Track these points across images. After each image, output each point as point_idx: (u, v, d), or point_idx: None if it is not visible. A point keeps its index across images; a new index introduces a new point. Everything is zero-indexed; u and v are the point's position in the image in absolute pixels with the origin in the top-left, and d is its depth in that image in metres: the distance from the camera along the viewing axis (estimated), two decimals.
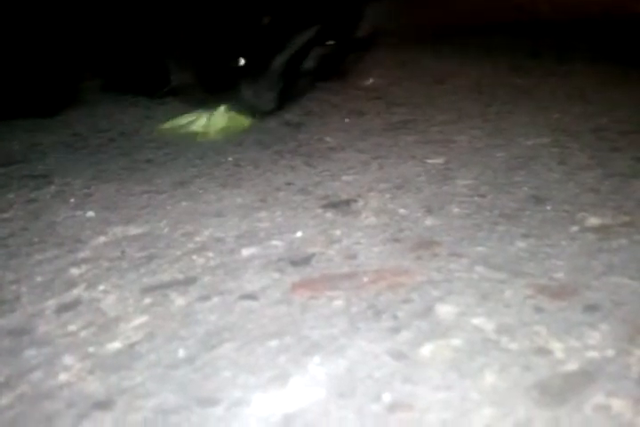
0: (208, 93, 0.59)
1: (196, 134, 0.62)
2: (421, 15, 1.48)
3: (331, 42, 0.60)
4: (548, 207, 0.46)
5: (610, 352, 0.30)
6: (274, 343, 0.31)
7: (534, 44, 1.15)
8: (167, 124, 0.63)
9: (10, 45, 0.66)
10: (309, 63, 0.60)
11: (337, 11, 0.59)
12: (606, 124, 0.66)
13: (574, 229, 0.42)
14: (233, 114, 0.62)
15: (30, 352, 0.31)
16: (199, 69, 0.58)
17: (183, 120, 0.63)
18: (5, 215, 0.46)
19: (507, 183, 0.50)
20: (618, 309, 0.33)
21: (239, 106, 0.60)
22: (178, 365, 0.30)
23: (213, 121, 0.62)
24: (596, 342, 0.31)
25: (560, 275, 0.37)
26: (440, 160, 0.56)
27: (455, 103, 0.75)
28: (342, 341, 0.31)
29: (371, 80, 0.82)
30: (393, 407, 0.27)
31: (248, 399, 0.28)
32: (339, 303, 0.34)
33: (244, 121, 0.63)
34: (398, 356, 0.30)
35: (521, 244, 0.41)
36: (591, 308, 0.33)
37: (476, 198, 0.48)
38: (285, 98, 0.60)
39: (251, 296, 0.35)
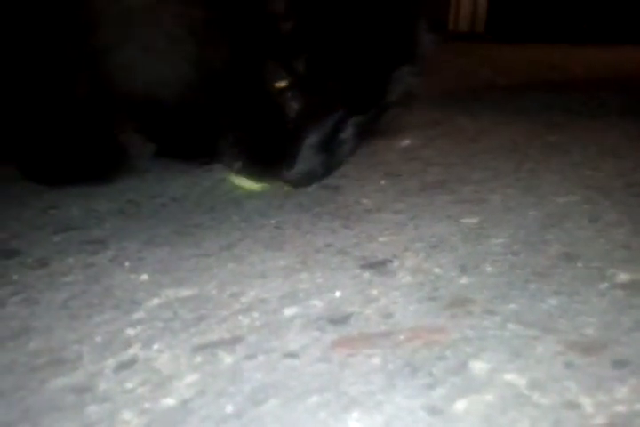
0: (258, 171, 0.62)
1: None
2: (453, 74, 1.53)
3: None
4: (579, 264, 0.47)
5: (638, 406, 0.31)
6: (315, 399, 0.33)
7: (567, 102, 1.18)
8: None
9: (65, 113, 0.71)
10: (347, 131, 0.62)
11: (368, 76, 0.61)
12: (638, 179, 0.68)
13: (604, 285, 0.44)
14: None
15: (92, 408, 0.33)
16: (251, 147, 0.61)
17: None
18: (66, 279, 0.49)
19: (539, 241, 0.52)
20: None
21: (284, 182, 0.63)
22: (227, 420, 0.32)
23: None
24: (624, 397, 0.32)
25: (590, 331, 0.38)
26: (474, 219, 0.58)
27: (489, 162, 0.77)
28: (380, 397, 0.33)
29: (406, 141, 0.86)
30: None
31: None
32: (376, 361, 0.36)
33: None
34: (433, 411, 0.32)
35: (552, 301, 0.42)
36: (620, 363, 0.35)
37: (509, 257, 0.50)
38: (327, 170, 0.62)
39: (293, 354, 0.37)
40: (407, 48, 0.61)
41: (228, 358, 0.37)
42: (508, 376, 0.34)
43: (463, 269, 0.48)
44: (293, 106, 0.58)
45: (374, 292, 0.45)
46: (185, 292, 0.46)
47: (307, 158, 0.59)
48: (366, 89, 0.59)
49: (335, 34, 0.56)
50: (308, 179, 0.61)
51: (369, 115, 0.63)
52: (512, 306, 0.42)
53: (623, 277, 0.45)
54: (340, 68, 0.57)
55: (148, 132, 0.82)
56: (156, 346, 0.39)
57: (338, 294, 0.45)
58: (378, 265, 0.49)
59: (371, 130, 0.66)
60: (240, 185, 0.68)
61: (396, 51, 0.60)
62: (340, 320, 0.41)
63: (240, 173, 0.64)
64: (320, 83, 0.57)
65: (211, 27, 0.57)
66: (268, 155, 0.59)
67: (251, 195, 0.67)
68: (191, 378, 0.35)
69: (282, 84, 0.57)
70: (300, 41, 0.56)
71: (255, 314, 0.42)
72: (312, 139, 0.59)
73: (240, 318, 0.42)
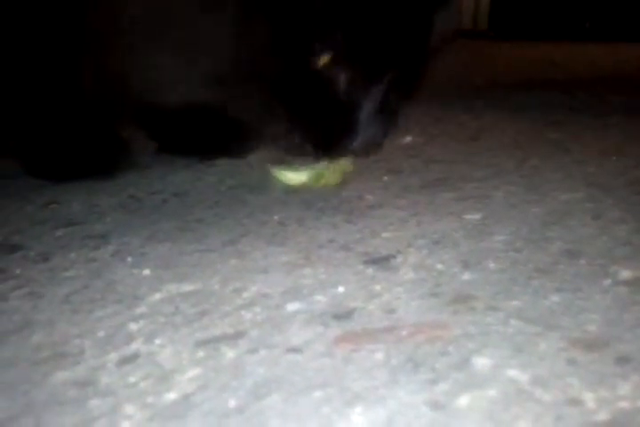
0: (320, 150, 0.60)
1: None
2: (455, 71, 1.53)
3: None
4: (582, 261, 0.47)
5: None
6: (318, 394, 0.33)
7: (569, 100, 1.18)
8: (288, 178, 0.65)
9: (67, 109, 0.70)
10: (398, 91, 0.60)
11: (410, 29, 0.59)
12: None
13: (607, 282, 0.44)
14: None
15: (94, 402, 0.33)
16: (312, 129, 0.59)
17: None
18: (68, 274, 0.49)
19: (541, 238, 0.52)
20: None
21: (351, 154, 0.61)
22: (229, 414, 0.32)
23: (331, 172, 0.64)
24: (627, 393, 0.32)
25: (593, 328, 0.38)
26: (477, 216, 0.58)
27: (491, 159, 0.77)
28: (383, 392, 0.33)
29: (407, 138, 0.86)
30: None
31: None
32: (379, 356, 0.36)
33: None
34: (436, 406, 0.32)
35: (555, 297, 0.42)
36: (623, 359, 0.35)
37: (511, 253, 0.50)
38: (386, 134, 0.60)
39: (296, 349, 0.37)
40: None
41: (230, 353, 0.37)
42: (511, 372, 0.34)
43: (466, 266, 0.48)
44: (341, 78, 0.57)
45: (377, 287, 0.45)
46: (187, 287, 0.46)
47: (367, 126, 0.57)
48: (410, 43, 0.58)
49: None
50: (373, 146, 0.59)
51: (415, 69, 0.61)
52: (515, 302, 0.42)
53: (626, 274, 0.45)
54: (379, 30, 0.56)
55: (151, 129, 0.82)
56: (158, 341, 0.39)
57: (341, 289, 0.45)
58: (381, 261, 0.49)
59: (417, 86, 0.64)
60: (284, 180, 0.65)
61: None
62: (343, 316, 0.41)
63: (302, 154, 0.61)
64: (363, 49, 0.56)
65: (245, 12, 0.56)
66: (327, 131, 0.58)
67: (295, 190, 0.65)
68: (193, 372, 0.35)
69: (325, 59, 0.56)
70: (334, 12, 0.55)
71: (258, 309, 0.42)
72: (368, 106, 0.57)
73: (242, 313, 0.42)
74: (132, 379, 0.35)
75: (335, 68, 0.57)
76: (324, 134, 0.58)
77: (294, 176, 0.64)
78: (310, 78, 0.57)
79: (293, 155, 0.63)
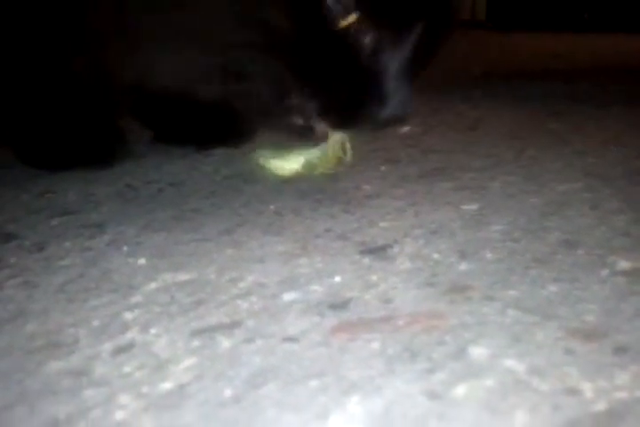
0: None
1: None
2: (454, 62, 1.52)
3: None
4: (580, 251, 0.47)
5: (638, 393, 0.31)
6: (314, 384, 0.33)
7: (569, 90, 1.17)
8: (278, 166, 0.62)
9: (63, 98, 0.70)
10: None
11: None
12: (639, 167, 0.67)
13: (605, 272, 0.44)
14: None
15: (89, 392, 0.33)
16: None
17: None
18: (63, 263, 0.49)
19: (539, 228, 0.52)
20: None
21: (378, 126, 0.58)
22: (225, 404, 0.32)
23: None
24: (625, 383, 0.32)
25: (591, 318, 0.38)
26: (474, 206, 0.58)
27: (489, 149, 0.77)
28: (379, 381, 0.33)
29: (406, 128, 0.85)
30: None
31: None
32: (375, 346, 0.36)
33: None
34: (433, 396, 0.32)
35: (552, 287, 0.42)
36: (621, 350, 0.35)
37: (508, 243, 0.49)
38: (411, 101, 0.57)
39: (292, 339, 0.37)
40: None
41: (226, 343, 0.37)
42: (508, 362, 0.34)
43: (462, 256, 0.47)
44: (367, 40, 0.54)
45: (374, 277, 0.44)
46: (183, 276, 0.46)
47: (394, 94, 0.54)
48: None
49: None
50: (400, 117, 0.57)
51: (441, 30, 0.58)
52: (512, 292, 0.41)
53: (624, 264, 0.45)
54: None
55: (147, 118, 0.82)
56: (153, 330, 0.39)
57: (337, 279, 0.44)
58: (377, 250, 0.49)
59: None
60: (274, 169, 0.63)
61: None
62: (339, 305, 0.41)
63: (305, 137, 0.59)
64: (391, 7, 0.54)
65: None
66: (351, 100, 0.55)
67: (289, 179, 0.64)
68: (189, 362, 0.35)
69: (348, 20, 0.53)
70: None
71: (254, 299, 0.42)
72: (395, 72, 0.54)
73: (238, 302, 0.42)
74: (126, 369, 0.35)
75: (360, 29, 0.54)
76: (347, 104, 0.55)
77: (284, 165, 0.62)
78: (332, 41, 0.54)
79: (294, 139, 0.60)
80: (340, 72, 0.55)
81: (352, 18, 0.53)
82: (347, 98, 0.55)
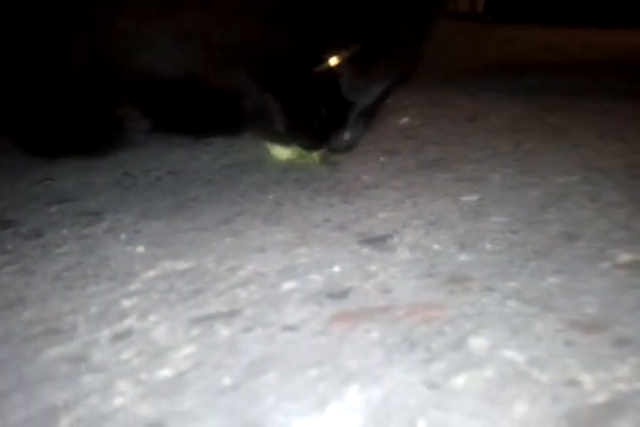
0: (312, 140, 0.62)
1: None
2: (453, 54, 1.52)
3: None
4: (580, 244, 0.47)
5: (638, 384, 0.31)
6: (313, 373, 0.33)
7: (568, 83, 1.17)
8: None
9: (61, 85, 0.69)
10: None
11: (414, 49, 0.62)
12: (638, 161, 0.67)
13: (605, 265, 0.44)
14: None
15: (87, 378, 0.33)
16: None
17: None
18: (61, 250, 0.49)
19: (539, 220, 0.52)
20: None
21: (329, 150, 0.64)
22: (224, 392, 0.32)
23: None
24: (625, 375, 0.32)
25: (591, 310, 0.38)
26: (473, 198, 0.57)
27: (488, 142, 0.77)
28: (378, 371, 0.33)
29: (404, 120, 0.85)
30: None
31: (289, 425, 0.29)
32: (375, 335, 0.36)
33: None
34: (432, 386, 0.31)
35: (552, 279, 0.42)
36: (621, 342, 0.35)
37: (508, 235, 0.49)
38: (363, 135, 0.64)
39: (291, 328, 0.37)
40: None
41: (225, 331, 0.37)
42: (508, 353, 0.34)
43: (462, 247, 0.47)
44: (345, 79, 0.58)
45: (373, 267, 0.44)
46: (182, 265, 0.46)
47: (354, 127, 0.60)
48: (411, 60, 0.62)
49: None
50: (351, 146, 0.62)
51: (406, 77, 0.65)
52: (512, 284, 0.41)
53: (624, 257, 0.45)
54: (392, 36, 0.58)
55: (146, 107, 0.81)
56: (152, 317, 0.38)
57: (336, 268, 0.44)
58: (377, 241, 0.49)
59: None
60: (273, 155, 0.68)
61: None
62: (338, 295, 0.41)
63: (285, 143, 0.65)
64: (375, 54, 0.58)
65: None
66: (319, 126, 0.60)
67: (289, 168, 0.67)
68: (188, 350, 0.35)
69: (336, 59, 0.58)
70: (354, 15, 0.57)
71: (253, 287, 0.42)
72: (360, 108, 0.60)
73: (238, 291, 0.41)
74: (125, 355, 0.35)
75: (341, 69, 0.58)
76: (315, 128, 0.60)
77: (281, 151, 0.67)
78: (317, 75, 0.58)
79: (273, 141, 0.66)
80: (316, 101, 0.60)
81: (336, 59, 0.58)
82: (315, 124, 0.60)
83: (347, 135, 0.60)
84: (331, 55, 0.57)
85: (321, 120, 0.60)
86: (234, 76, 0.60)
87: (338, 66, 0.58)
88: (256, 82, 0.60)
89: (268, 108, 0.61)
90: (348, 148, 0.63)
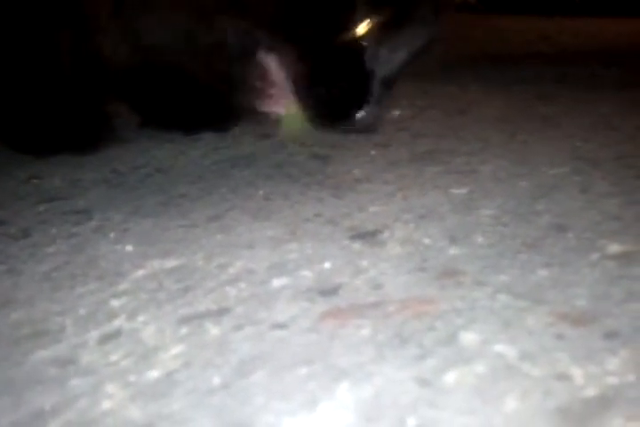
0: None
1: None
2: (444, 44, 1.51)
3: None
4: (570, 235, 0.47)
5: (629, 378, 0.31)
6: (304, 371, 0.33)
7: (560, 73, 1.16)
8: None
9: (48, 82, 0.69)
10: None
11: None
12: (630, 151, 0.67)
13: (595, 256, 0.44)
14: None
15: (75, 381, 0.33)
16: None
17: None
18: (49, 250, 0.48)
19: (529, 212, 0.52)
20: (638, 335, 0.34)
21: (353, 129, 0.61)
22: (213, 392, 0.31)
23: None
24: (615, 368, 0.32)
25: (581, 302, 0.38)
26: (464, 190, 0.57)
27: (479, 133, 0.76)
28: (369, 368, 0.33)
29: (395, 112, 0.84)
30: None
31: (280, 424, 0.29)
32: (366, 332, 0.36)
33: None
34: (423, 382, 0.31)
35: (543, 272, 0.42)
36: (611, 334, 0.34)
37: (499, 227, 0.49)
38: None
39: (281, 325, 0.37)
40: None
41: (214, 330, 0.37)
42: (499, 347, 0.34)
43: (453, 240, 0.47)
44: (369, 49, 0.57)
45: (364, 262, 0.44)
46: (171, 263, 0.45)
47: (375, 103, 0.57)
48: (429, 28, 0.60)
49: None
50: (374, 124, 0.60)
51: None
52: (502, 277, 0.41)
53: (614, 248, 0.45)
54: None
55: (134, 103, 0.80)
56: (141, 318, 0.38)
57: (327, 264, 0.44)
58: (367, 236, 0.48)
59: None
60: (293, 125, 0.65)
61: None
62: (329, 291, 0.40)
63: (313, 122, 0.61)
64: (401, 23, 0.57)
65: None
66: (340, 101, 0.58)
67: (280, 162, 0.66)
68: (177, 350, 0.35)
69: (361, 30, 0.56)
70: None
71: (243, 285, 0.42)
72: (382, 81, 0.57)
73: (227, 288, 0.41)
74: (113, 357, 0.35)
75: (367, 39, 0.56)
76: (335, 103, 0.57)
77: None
78: (341, 45, 0.56)
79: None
80: (338, 73, 0.57)
81: (364, 27, 0.56)
82: (330, 95, 0.57)
83: (370, 111, 0.57)
84: (358, 23, 0.56)
85: (344, 96, 0.57)
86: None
87: (365, 35, 0.56)
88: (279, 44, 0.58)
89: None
90: (371, 125, 0.60)
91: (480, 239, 0.47)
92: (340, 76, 0.57)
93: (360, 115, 0.57)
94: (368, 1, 0.56)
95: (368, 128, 0.60)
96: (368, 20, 0.56)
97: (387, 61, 0.58)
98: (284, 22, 0.57)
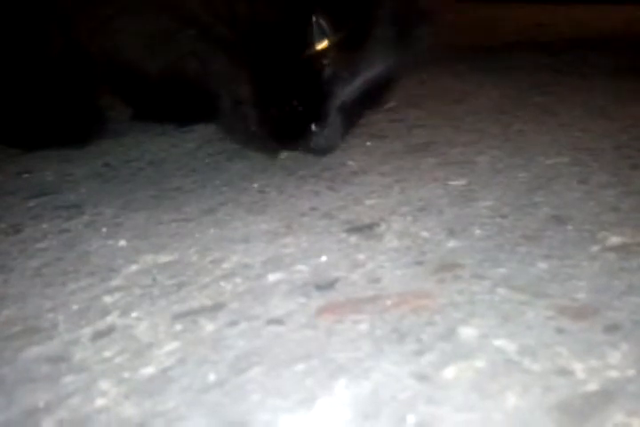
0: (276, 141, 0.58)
1: None
2: (439, 34, 1.50)
3: None
4: (569, 227, 0.46)
5: (630, 372, 0.30)
6: (301, 367, 0.32)
7: (555, 62, 1.16)
8: None
9: (39, 75, 0.68)
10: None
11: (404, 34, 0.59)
12: (627, 141, 0.67)
13: (595, 248, 0.43)
14: None
15: (68, 378, 0.32)
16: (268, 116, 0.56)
17: None
18: (40, 245, 0.48)
19: (528, 204, 0.51)
20: (639, 328, 0.34)
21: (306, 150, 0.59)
22: (208, 389, 0.31)
23: None
24: (616, 362, 0.31)
25: (581, 295, 0.37)
26: (461, 182, 0.57)
27: (476, 124, 0.76)
28: (367, 363, 0.32)
29: (390, 103, 0.84)
30: None
31: (276, 422, 0.28)
32: (363, 327, 0.35)
33: None
34: (422, 378, 0.31)
35: (542, 265, 0.41)
36: (612, 328, 0.34)
37: (497, 220, 0.49)
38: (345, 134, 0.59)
39: (277, 321, 0.36)
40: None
41: (209, 326, 0.36)
42: (498, 342, 0.33)
43: (451, 233, 0.47)
44: (329, 68, 0.55)
45: (361, 256, 0.43)
46: (164, 258, 0.45)
47: (333, 124, 0.56)
48: (403, 48, 0.58)
49: None
50: (331, 146, 0.58)
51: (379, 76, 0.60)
52: (501, 270, 0.41)
53: (614, 240, 0.44)
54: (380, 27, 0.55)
55: (126, 95, 0.79)
56: (134, 314, 0.38)
57: (324, 258, 0.43)
58: (364, 229, 0.48)
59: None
60: None
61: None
62: (325, 286, 0.40)
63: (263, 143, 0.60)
64: (358, 44, 0.55)
65: None
66: (294, 120, 0.55)
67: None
68: (171, 346, 0.34)
69: (322, 45, 0.54)
70: None
71: (238, 280, 0.41)
72: (341, 102, 0.56)
73: (222, 284, 0.41)
74: (107, 354, 0.34)
75: (326, 56, 0.55)
76: (287, 119, 0.55)
77: None
78: (299, 61, 0.55)
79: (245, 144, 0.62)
80: (293, 88, 0.55)
81: (324, 44, 0.54)
82: (289, 113, 0.55)
83: (325, 133, 0.55)
84: (318, 39, 0.54)
85: (297, 114, 0.55)
86: (214, 62, 0.58)
87: (324, 51, 0.54)
88: (236, 64, 0.56)
89: (241, 102, 0.56)
90: (326, 148, 0.58)
91: (478, 232, 0.47)
92: (294, 95, 0.55)
93: (312, 136, 0.55)
94: (326, 18, 0.54)
95: (321, 150, 0.59)
96: (327, 38, 0.54)
97: (347, 84, 0.56)
98: (240, 38, 0.55)
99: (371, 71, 0.57)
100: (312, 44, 0.54)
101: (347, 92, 0.56)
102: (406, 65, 0.60)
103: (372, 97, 0.61)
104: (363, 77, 0.56)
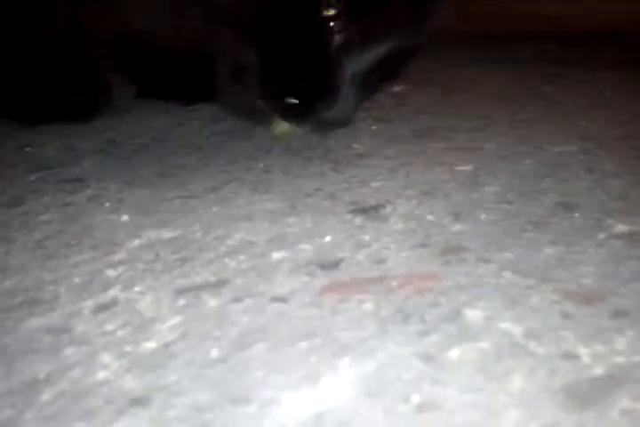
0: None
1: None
2: (445, 22, 1.49)
3: None
4: (576, 214, 0.46)
5: (636, 357, 0.30)
6: (304, 345, 0.32)
7: (562, 53, 1.15)
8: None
9: (44, 50, 0.67)
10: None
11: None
12: (634, 131, 0.66)
13: (602, 235, 0.43)
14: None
15: (69, 350, 0.32)
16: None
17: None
18: (43, 218, 0.47)
19: (534, 190, 0.51)
20: None
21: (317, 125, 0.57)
22: (211, 364, 0.31)
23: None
24: (622, 348, 0.31)
25: (587, 281, 0.37)
26: (468, 167, 0.56)
27: (480, 111, 0.75)
28: (372, 343, 0.32)
29: (396, 87, 0.83)
30: (421, 408, 0.27)
31: (279, 399, 0.28)
32: (368, 307, 0.35)
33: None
34: (426, 358, 0.31)
35: (549, 250, 0.41)
36: (618, 314, 0.34)
37: (503, 205, 0.48)
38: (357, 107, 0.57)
39: (281, 299, 0.36)
40: None
41: (212, 301, 0.36)
42: (504, 325, 0.33)
43: (456, 217, 0.46)
44: (337, 37, 0.52)
45: (366, 237, 0.43)
46: (168, 233, 0.44)
47: (345, 98, 0.53)
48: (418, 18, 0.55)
49: None
50: (344, 121, 0.56)
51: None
52: (507, 254, 0.40)
53: (621, 227, 0.44)
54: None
55: (132, 72, 0.79)
56: (137, 288, 0.37)
57: (328, 238, 0.43)
58: (369, 210, 0.47)
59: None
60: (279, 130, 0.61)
61: None
62: (330, 265, 0.39)
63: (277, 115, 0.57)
64: (370, 10, 0.52)
65: None
66: (303, 91, 0.53)
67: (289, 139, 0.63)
68: (174, 321, 0.34)
69: (330, 11, 0.52)
70: None
71: (242, 257, 0.41)
72: (351, 76, 0.53)
73: (226, 260, 0.40)
74: (109, 327, 0.34)
75: (338, 24, 0.52)
76: (297, 93, 0.53)
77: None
78: (309, 27, 0.53)
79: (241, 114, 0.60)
80: (303, 59, 0.53)
81: (332, 11, 0.52)
82: (299, 87, 0.53)
83: (338, 106, 0.53)
84: (328, 4, 0.51)
85: (308, 87, 0.53)
86: (219, 34, 0.56)
87: (335, 17, 0.52)
88: (243, 35, 0.54)
89: (247, 72, 0.54)
90: (341, 122, 0.56)
91: (484, 216, 0.46)
92: (304, 68, 0.53)
93: (327, 109, 0.53)
94: None
95: (337, 124, 0.57)
96: (337, 3, 0.51)
97: (359, 53, 0.53)
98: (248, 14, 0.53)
99: (384, 40, 0.54)
100: (321, 9, 0.52)
101: (359, 62, 0.54)
102: (421, 37, 0.58)
103: (387, 69, 0.57)
104: (376, 47, 0.54)
